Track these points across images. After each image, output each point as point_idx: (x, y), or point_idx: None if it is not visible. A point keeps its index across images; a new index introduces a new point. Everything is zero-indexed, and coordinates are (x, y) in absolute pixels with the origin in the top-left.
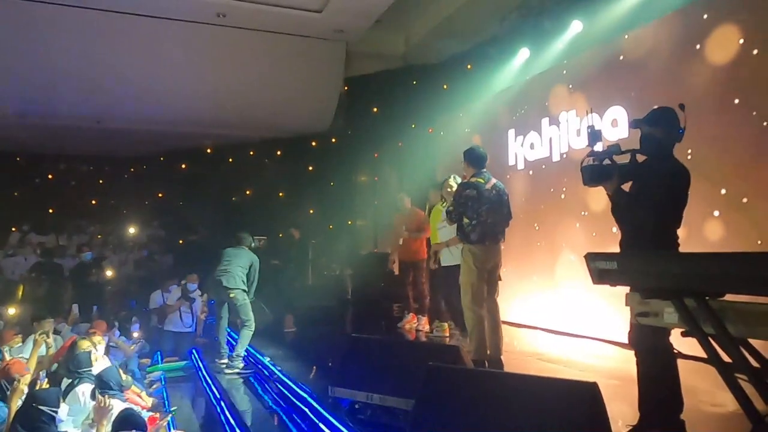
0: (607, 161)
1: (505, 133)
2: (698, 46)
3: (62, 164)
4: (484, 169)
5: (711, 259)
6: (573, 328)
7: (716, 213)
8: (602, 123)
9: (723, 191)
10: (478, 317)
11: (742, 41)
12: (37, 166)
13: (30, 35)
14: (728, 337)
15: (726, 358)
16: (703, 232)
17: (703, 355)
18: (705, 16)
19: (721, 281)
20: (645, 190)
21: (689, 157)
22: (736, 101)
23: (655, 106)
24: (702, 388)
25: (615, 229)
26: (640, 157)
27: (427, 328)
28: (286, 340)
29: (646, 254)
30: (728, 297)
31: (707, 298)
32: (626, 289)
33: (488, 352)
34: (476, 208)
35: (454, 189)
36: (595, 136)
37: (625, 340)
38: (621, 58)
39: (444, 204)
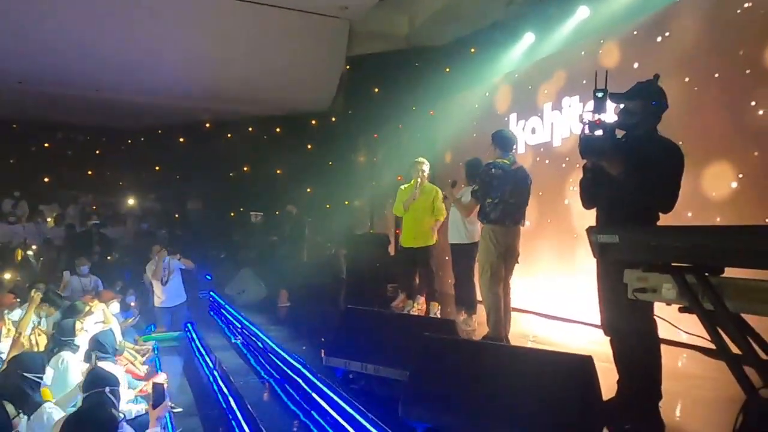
0: (599, 132)
1: (506, 118)
2: (709, 30)
3: (59, 133)
4: (511, 152)
5: (713, 232)
6: (566, 313)
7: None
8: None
9: None
10: (496, 296)
11: None
12: (34, 134)
13: (31, 3)
14: (726, 313)
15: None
16: None
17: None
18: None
19: (723, 255)
20: (633, 168)
21: None
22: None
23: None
24: (688, 372)
25: None
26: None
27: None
28: (280, 314)
29: (649, 227)
30: (729, 273)
31: (707, 274)
32: None
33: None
34: (501, 188)
35: (425, 172)
36: (600, 103)
37: None
38: (627, 43)
39: (414, 182)
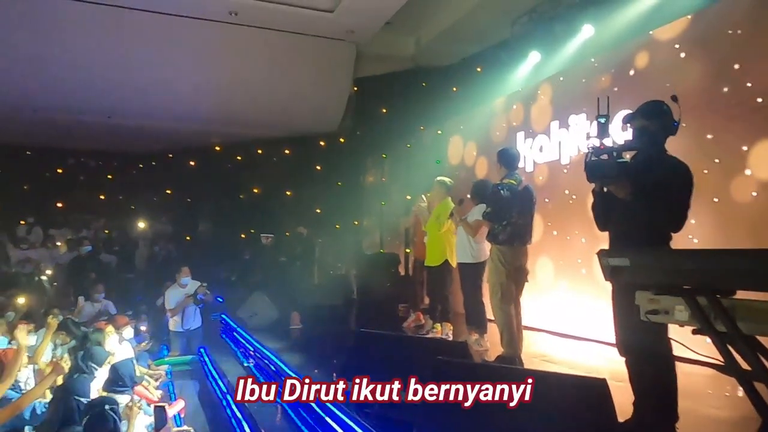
0: (605, 157)
1: (514, 136)
2: (712, 49)
3: (71, 159)
4: (516, 170)
5: (724, 256)
6: (579, 331)
7: None
8: (612, 126)
9: None
10: (508, 315)
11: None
12: (47, 161)
13: (42, 30)
14: (739, 334)
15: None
16: None
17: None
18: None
19: (734, 278)
20: (641, 190)
21: None
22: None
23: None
24: (701, 391)
25: None
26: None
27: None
28: (292, 336)
29: (659, 250)
30: (741, 295)
31: (719, 296)
32: None
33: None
34: (510, 210)
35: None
36: (603, 128)
37: None
38: (632, 62)
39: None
